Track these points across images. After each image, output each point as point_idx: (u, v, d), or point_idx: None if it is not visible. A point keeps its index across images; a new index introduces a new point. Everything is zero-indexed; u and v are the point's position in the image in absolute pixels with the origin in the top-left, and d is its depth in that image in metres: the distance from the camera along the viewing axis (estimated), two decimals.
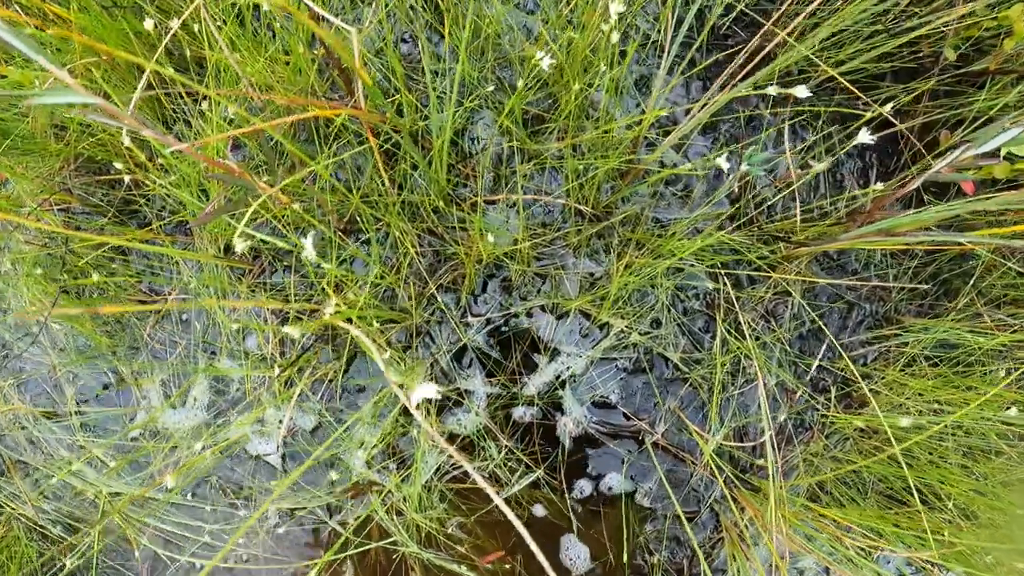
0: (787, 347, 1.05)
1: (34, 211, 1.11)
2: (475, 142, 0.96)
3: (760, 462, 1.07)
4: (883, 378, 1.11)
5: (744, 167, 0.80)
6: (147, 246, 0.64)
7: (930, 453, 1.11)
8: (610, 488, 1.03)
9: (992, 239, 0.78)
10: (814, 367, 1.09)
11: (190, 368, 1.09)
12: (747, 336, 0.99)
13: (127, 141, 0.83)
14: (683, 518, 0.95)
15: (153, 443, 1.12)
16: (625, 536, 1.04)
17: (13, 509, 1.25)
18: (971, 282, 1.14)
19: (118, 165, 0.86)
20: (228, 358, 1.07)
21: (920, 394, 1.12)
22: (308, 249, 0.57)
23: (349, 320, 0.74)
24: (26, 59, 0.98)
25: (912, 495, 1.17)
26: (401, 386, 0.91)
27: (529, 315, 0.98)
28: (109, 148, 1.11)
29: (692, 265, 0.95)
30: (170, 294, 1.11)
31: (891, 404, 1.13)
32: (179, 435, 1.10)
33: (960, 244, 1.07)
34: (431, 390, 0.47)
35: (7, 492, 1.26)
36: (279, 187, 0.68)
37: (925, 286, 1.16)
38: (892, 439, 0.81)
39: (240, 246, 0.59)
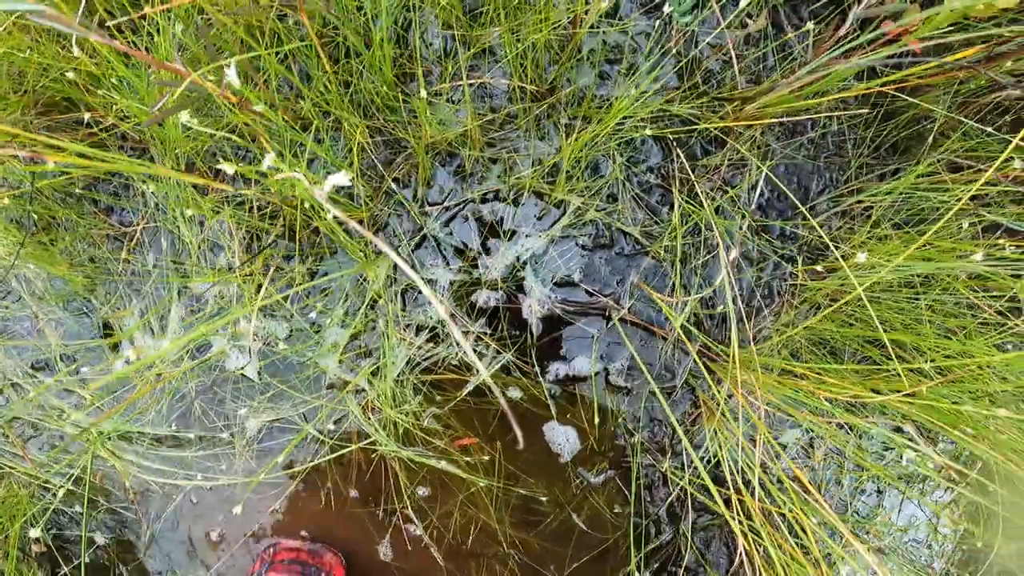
0: (745, 213, 1.06)
1: None
2: (418, 35, 0.97)
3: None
4: (848, 241, 1.11)
5: (669, 10, 0.81)
6: (106, 162, 0.66)
7: (901, 311, 1.12)
8: (581, 368, 1.05)
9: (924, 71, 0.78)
10: (775, 227, 1.09)
11: (164, 292, 1.11)
12: (704, 205, 1.00)
13: (76, 52, 0.85)
14: (658, 392, 0.96)
15: (136, 373, 1.14)
16: (595, 416, 1.05)
17: (12, 468, 1.27)
18: (929, 139, 1.14)
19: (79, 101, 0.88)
20: (200, 277, 1.09)
21: (889, 259, 1.13)
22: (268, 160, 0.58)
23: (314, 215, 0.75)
24: None
25: (889, 360, 1.17)
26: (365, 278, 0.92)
27: (484, 200, 1.00)
28: (64, 83, 1.13)
29: (638, 128, 0.96)
30: (139, 224, 1.13)
31: (860, 268, 1.14)
32: (160, 361, 1.12)
33: (908, 93, 1.07)
34: (342, 178, 0.48)
35: (5, 452, 1.28)
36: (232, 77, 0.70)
37: (876, 135, 1.16)
38: (859, 291, 0.81)
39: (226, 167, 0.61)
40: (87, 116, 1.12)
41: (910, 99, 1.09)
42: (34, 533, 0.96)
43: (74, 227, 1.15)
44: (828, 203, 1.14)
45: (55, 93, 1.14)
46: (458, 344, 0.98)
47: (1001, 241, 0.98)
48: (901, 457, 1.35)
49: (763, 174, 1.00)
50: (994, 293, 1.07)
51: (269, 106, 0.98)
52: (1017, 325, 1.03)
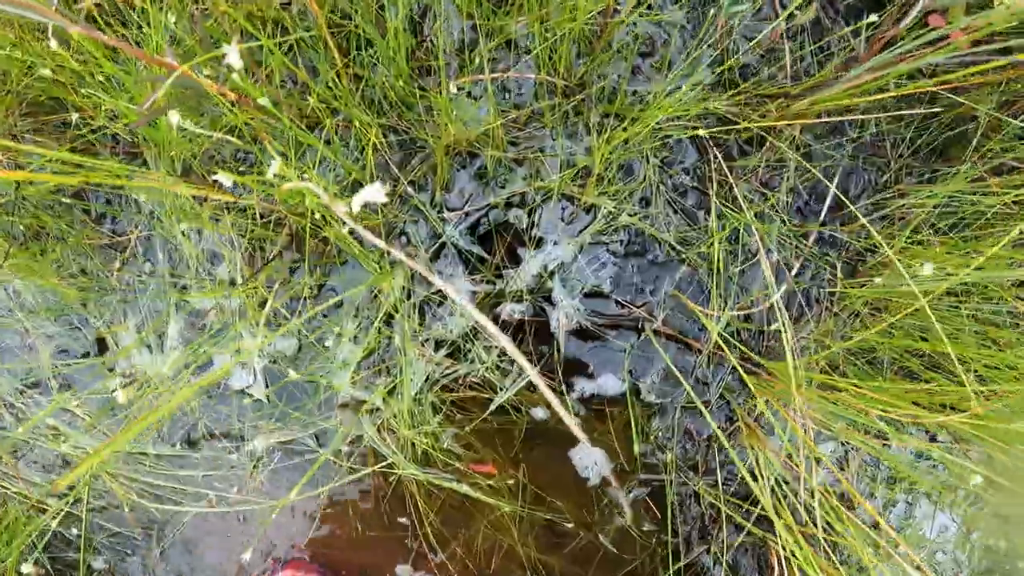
0: (785, 218, 0.99)
1: None
2: (435, 19, 0.89)
3: (771, 344, 1.01)
4: (891, 246, 1.05)
5: (723, 8, 0.74)
6: (98, 172, 0.58)
7: (941, 320, 1.06)
8: (611, 386, 0.98)
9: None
10: (814, 233, 1.03)
11: (162, 306, 1.03)
12: (743, 208, 0.93)
13: (54, 45, 0.76)
14: (698, 402, 0.90)
15: (135, 390, 1.06)
16: (633, 433, 0.99)
17: (7, 488, 1.20)
18: (974, 141, 1.08)
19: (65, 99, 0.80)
20: (199, 292, 1.02)
21: (945, 268, 1.07)
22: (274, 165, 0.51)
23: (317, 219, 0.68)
24: None
25: (929, 372, 1.12)
26: (378, 290, 0.85)
27: (509, 205, 0.92)
28: (48, 82, 1.04)
29: (674, 124, 0.89)
30: (132, 233, 1.05)
31: (900, 276, 1.08)
32: (159, 380, 1.04)
33: (953, 93, 1.01)
34: (375, 192, 0.40)
35: (1, 474, 1.20)
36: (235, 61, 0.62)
37: (922, 137, 1.10)
38: (914, 292, 0.75)
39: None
40: (75, 117, 1.04)
41: (956, 98, 1.03)
42: (26, 568, 0.89)
43: (64, 237, 1.07)
44: (868, 206, 1.08)
45: (40, 93, 1.06)
46: (482, 359, 0.91)
47: None
48: (936, 466, 1.30)
49: (810, 175, 0.94)
50: None
51: (273, 103, 0.90)
52: None
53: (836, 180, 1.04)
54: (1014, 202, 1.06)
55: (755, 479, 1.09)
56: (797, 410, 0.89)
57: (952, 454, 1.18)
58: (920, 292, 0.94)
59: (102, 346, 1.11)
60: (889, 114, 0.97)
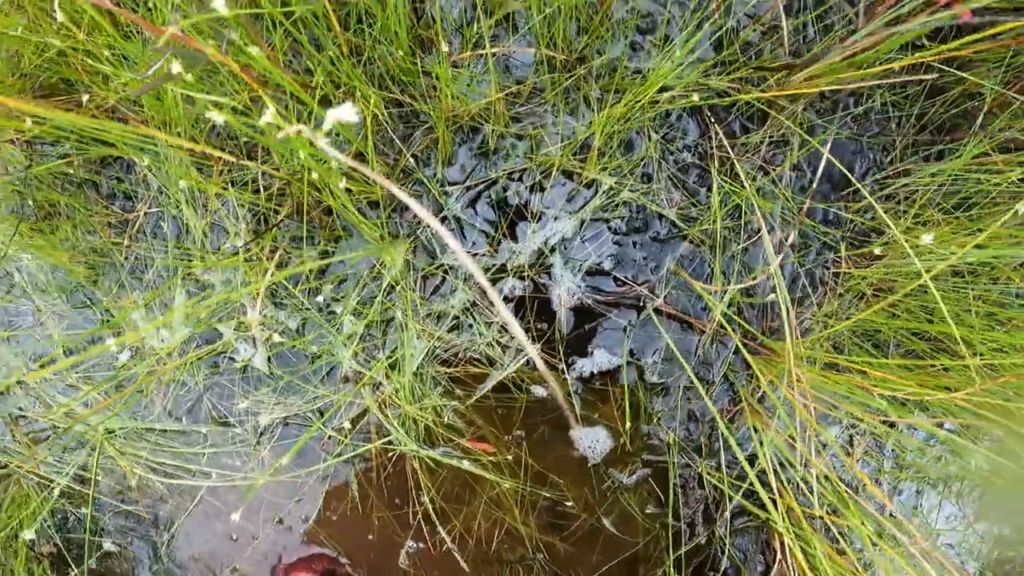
0: (788, 196, 0.99)
1: None
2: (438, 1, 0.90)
3: (774, 324, 1.00)
4: (897, 226, 1.04)
5: None
6: (100, 129, 0.59)
7: (947, 301, 1.04)
8: (611, 363, 0.98)
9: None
10: (810, 206, 1.02)
11: (168, 281, 1.05)
12: (745, 185, 0.93)
13: (60, 16, 0.78)
14: (697, 384, 0.90)
15: (142, 366, 1.07)
16: (625, 413, 0.98)
17: (19, 466, 1.21)
18: (979, 119, 1.07)
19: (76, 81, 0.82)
20: (203, 262, 1.03)
21: (950, 246, 1.05)
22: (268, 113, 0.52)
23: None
24: None
25: (937, 356, 1.10)
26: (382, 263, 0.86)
27: (510, 179, 0.93)
28: (61, 64, 1.07)
29: (681, 97, 0.89)
30: (141, 210, 1.07)
31: (905, 256, 1.07)
32: (165, 353, 1.05)
33: (957, 68, 1.00)
34: (347, 111, 0.40)
35: (12, 450, 1.22)
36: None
37: (928, 110, 1.09)
38: (917, 266, 0.74)
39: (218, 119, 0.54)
40: (85, 98, 1.06)
41: (959, 73, 1.02)
42: (27, 535, 0.90)
43: (75, 214, 1.09)
44: (873, 185, 1.07)
45: (52, 74, 1.08)
46: (482, 333, 0.91)
47: None
48: (941, 457, 1.28)
49: (813, 150, 0.93)
50: None
51: (275, 87, 0.91)
52: None
53: (841, 158, 1.04)
54: (1021, 180, 1.05)
55: (751, 463, 1.08)
56: (794, 387, 0.88)
57: (962, 437, 1.16)
58: (924, 270, 0.93)
59: (111, 323, 1.13)
60: (890, 81, 0.96)
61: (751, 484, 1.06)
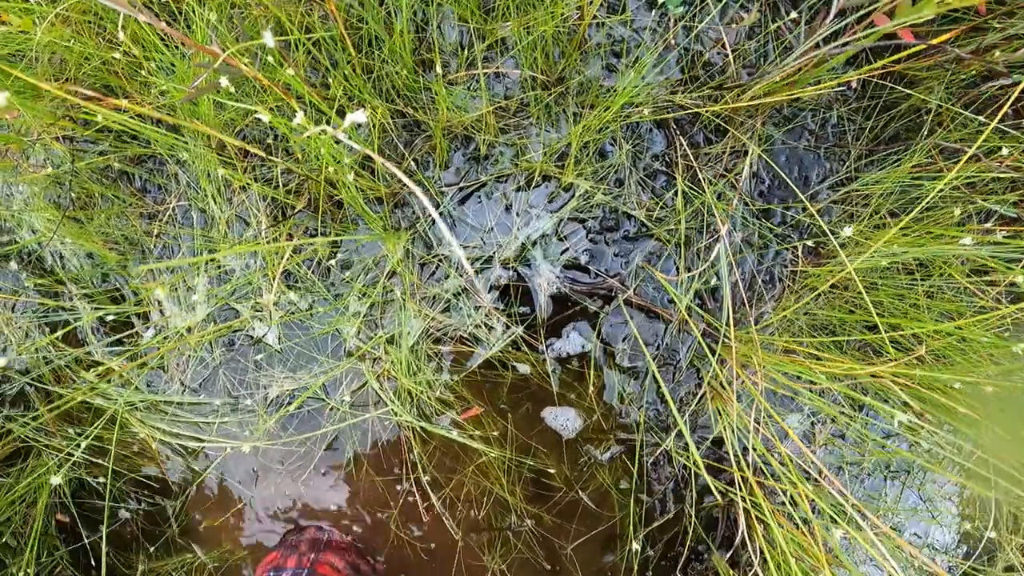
0: (748, 200, 1.10)
1: (42, 136, 1.21)
2: (435, 23, 1.04)
3: (737, 316, 1.11)
4: (852, 227, 1.15)
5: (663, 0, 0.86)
6: (141, 124, 0.72)
7: (899, 298, 1.15)
8: (583, 346, 1.09)
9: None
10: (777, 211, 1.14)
11: (192, 266, 1.18)
12: (705, 189, 1.05)
13: (122, 35, 0.92)
14: (655, 371, 1.01)
15: (164, 343, 1.20)
16: (592, 391, 1.09)
17: (40, 441, 1.33)
18: (925, 130, 1.18)
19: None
20: (225, 248, 1.16)
21: (876, 242, 1.16)
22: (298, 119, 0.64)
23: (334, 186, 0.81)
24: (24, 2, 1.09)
25: (887, 346, 1.20)
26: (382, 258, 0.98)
27: (499, 181, 1.05)
28: (104, 71, 1.21)
29: (638, 110, 1.01)
30: (171, 202, 1.20)
31: (849, 246, 1.17)
32: (187, 330, 1.18)
33: (904, 86, 1.11)
34: (359, 115, 0.53)
35: (34, 426, 1.34)
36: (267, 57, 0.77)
37: (871, 122, 1.20)
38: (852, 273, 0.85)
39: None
40: (124, 103, 1.20)
41: (905, 90, 1.14)
42: (55, 480, 1.01)
43: (110, 204, 1.22)
44: (828, 191, 1.19)
45: (95, 81, 1.22)
46: (470, 314, 1.03)
47: (989, 226, 1.02)
48: (903, 445, 1.38)
49: (758, 157, 1.05)
50: (988, 278, 1.11)
51: (296, 98, 1.05)
52: (1012, 311, 1.06)
53: (800, 166, 1.15)
54: (966, 185, 1.16)
55: (719, 445, 1.18)
56: (756, 373, 0.99)
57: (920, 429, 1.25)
58: (858, 263, 1.04)
59: (139, 306, 1.25)
60: (835, 84, 1.08)
61: (714, 463, 1.16)
